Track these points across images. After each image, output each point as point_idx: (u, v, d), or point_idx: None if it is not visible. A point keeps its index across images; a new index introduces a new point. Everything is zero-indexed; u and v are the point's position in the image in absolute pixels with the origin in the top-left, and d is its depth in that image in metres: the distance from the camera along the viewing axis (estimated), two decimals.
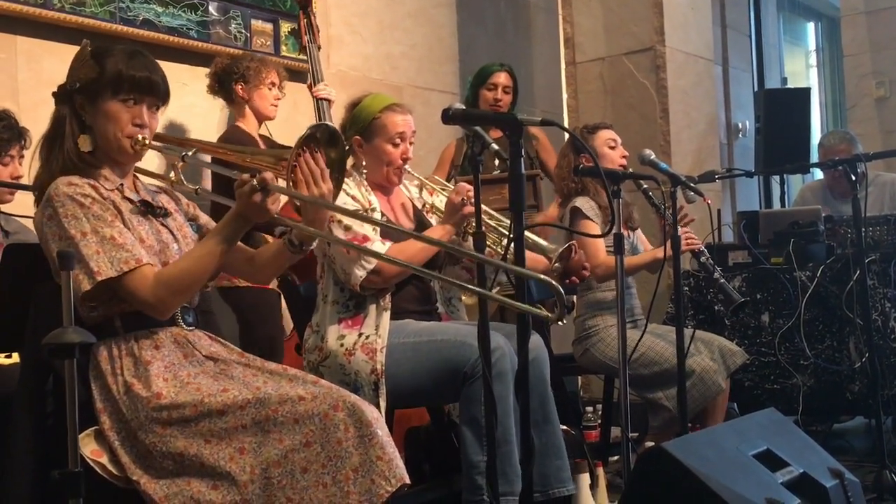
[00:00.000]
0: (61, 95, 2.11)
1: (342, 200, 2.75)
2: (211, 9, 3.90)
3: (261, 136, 3.74)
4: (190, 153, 2.19)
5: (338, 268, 2.78)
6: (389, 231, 2.79)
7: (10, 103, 3.21)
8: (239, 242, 2.16)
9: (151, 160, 2.22)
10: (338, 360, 2.72)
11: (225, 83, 3.64)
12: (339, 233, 2.74)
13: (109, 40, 3.35)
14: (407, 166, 2.91)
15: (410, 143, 2.91)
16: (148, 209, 2.12)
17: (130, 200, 2.10)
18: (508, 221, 2.75)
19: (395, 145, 2.87)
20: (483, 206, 2.73)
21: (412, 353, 2.71)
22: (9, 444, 2.03)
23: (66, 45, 3.37)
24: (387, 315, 2.75)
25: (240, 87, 3.62)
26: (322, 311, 2.83)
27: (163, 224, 2.14)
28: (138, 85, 2.07)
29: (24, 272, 2.09)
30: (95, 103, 2.07)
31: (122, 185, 2.11)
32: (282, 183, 2.10)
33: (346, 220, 2.73)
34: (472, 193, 2.65)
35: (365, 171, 2.91)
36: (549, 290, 1.88)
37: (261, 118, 3.70)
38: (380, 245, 2.74)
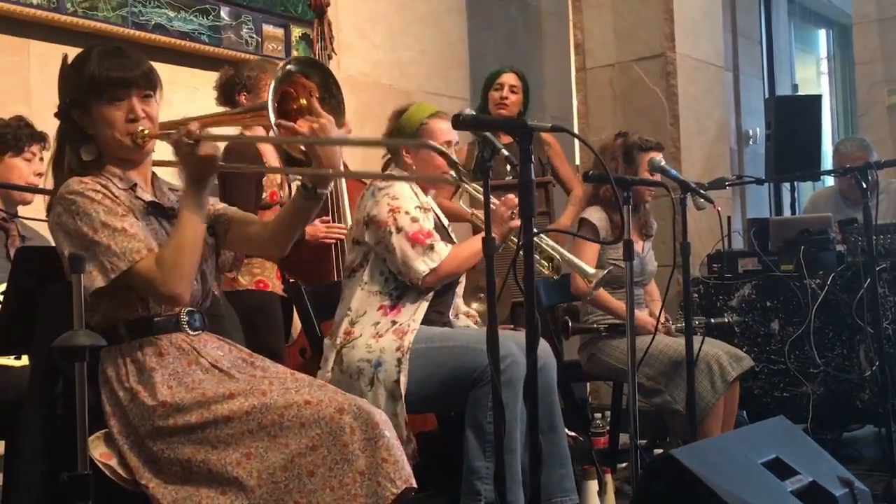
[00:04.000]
0: (61, 114, 2.11)
1: (408, 195, 2.79)
2: (222, 13, 3.91)
3: None
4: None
5: (397, 259, 2.75)
6: (440, 231, 2.84)
7: (23, 107, 3.23)
8: (252, 216, 2.23)
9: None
10: (365, 340, 2.73)
11: (229, 94, 3.65)
12: (404, 223, 2.75)
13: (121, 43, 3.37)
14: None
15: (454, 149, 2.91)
16: (157, 211, 2.12)
17: (142, 201, 2.10)
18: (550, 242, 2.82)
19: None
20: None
21: (423, 359, 2.70)
22: (18, 446, 2.05)
23: (79, 50, 3.36)
24: (425, 304, 2.78)
25: (243, 96, 3.62)
26: (359, 298, 2.81)
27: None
28: (116, 84, 2.05)
29: (35, 275, 2.10)
30: (89, 112, 2.06)
31: (135, 185, 2.10)
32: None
33: (413, 213, 2.76)
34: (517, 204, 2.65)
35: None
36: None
37: (267, 124, 3.70)
38: (442, 246, 2.77)
